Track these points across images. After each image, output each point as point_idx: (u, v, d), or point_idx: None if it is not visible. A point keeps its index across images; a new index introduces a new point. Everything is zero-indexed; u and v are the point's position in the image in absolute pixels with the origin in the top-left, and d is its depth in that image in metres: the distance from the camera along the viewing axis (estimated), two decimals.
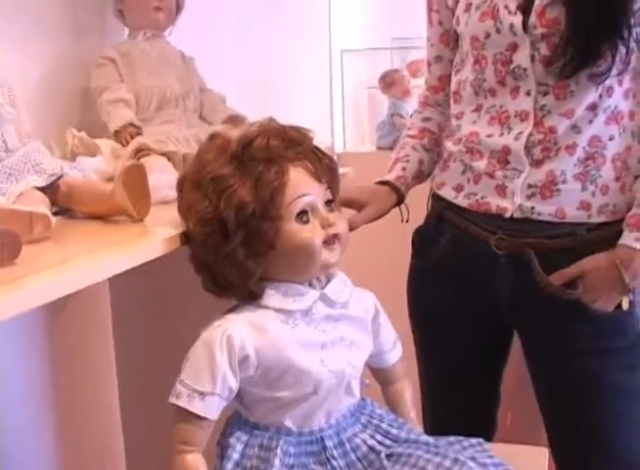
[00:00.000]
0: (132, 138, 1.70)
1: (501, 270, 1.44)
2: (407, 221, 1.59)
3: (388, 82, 2.93)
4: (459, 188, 1.49)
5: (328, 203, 1.16)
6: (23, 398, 1.54)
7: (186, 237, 1.14)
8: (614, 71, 1.34)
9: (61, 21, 1.86)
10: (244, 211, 1.07)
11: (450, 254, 1.51)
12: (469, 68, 1.46)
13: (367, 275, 1.52)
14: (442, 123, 1.64)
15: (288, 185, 1.09)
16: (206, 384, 1.09)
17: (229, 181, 1.08)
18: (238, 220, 1.08)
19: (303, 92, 2.34)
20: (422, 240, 1.59)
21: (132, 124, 1.73)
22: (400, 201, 1.56)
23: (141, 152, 1.62)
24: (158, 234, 1.14)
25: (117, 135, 1.72)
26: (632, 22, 1.33)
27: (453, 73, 1.54)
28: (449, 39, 1.56)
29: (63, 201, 1.31)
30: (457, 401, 1.60)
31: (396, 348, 1.32)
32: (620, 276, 1.35)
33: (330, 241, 1.13)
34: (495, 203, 1.43)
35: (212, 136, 1.18)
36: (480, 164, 1.44)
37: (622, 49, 1.33)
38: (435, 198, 1.57)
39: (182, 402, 1.09)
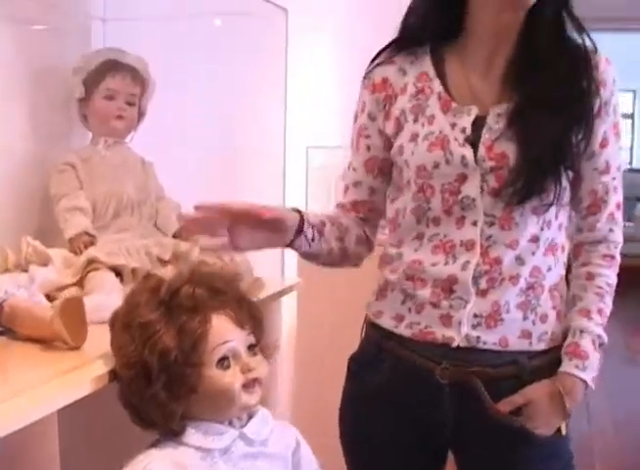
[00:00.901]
0: (86, 247, 1.78)
1: (446, 399, 1.47)
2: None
3: None
4: (399, 318, 1.51)
5: (250, 347, 1.24)
6: None
7: (115, 374, 1.22)
8: (554, 205, 1.43)
9: (27, 122, 1.95)
10: (167, 357, 1.15)
11: (390, 383, 1.52)
12: (409, 196, 1.49)
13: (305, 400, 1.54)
14: (349, 225, 1.57)
15: (210, 333, 1.18)
16: None
17: (155, 327, 1.16)
18: (161, 366, 1.15)
19: (260, 189, 2.42)
20: (359, 368, 1.59)
21: (87, 233, 1.81)
22: (301, 226, 1.43)
23: (92, 264, 1.70)
24: (87, 371, 1.21)
25: (72, 243, 1.80)
26: (575, 151, 1.43)
27: (389, 203, 1.57)
28: (374, 166, 1.57)
29: (6, 321, 1.40)
30: None
31: None
32: (563, 403, 1.43)
33: (250, 385, 1.21)
34: (441, 332, 1.45)
35: (147, 277, 1.27)
36: (424, 293, 1.47)
37: (565, 182, 1.42)
38: (373, 327, 1.57)
39: None
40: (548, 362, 1.47)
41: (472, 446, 1.52)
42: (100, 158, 1.95)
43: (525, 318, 1.46)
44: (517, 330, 1.45)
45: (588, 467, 3.80)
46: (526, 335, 1.46)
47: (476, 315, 1.44)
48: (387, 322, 1.52)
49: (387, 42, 1.56)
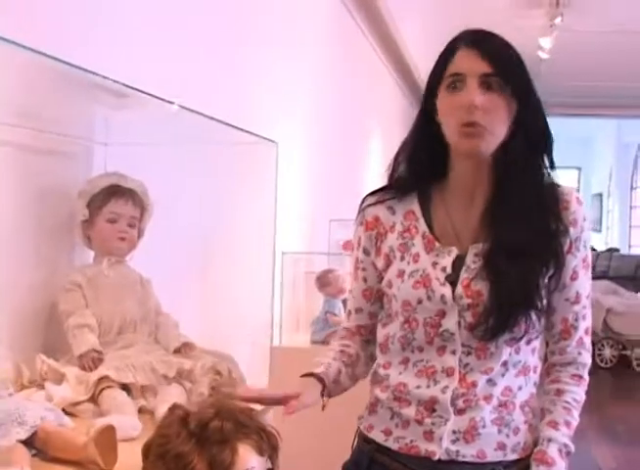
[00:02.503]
0: (94, 363, 1.95)
1: None
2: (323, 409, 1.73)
3: (324, 282, 3.27)
4: (388, 432, 1.69)
5: None
6: None
7: None
8: (525, 337, 1.63)
9: (31, 242, 2.13)
10: None
11: None
12: (397, 325, 1.70)
13: None
14: (358, 352, 1.81)
15: (237, 461, 1.36)
16: None
17: (189, 458, 1.34)
18: None
19: (248, 293, 2.63)
20: None
21: (95, 350, 1.99)
22: (324, 389, 1.71)
23: (103, 383, 1.88)
24: None
25: (81, 359, 1.97)
26: (543, 294, 1.64)
27: (380, 326, 1.77)
28: (371, 295, 1.77)
29: (39, 444, 1.57)
30: None
31: None
32: None
33: None
34: (424, 447, 1.65)
35: (173, 408, 1.45)
36: (409, 412, 1.67)
37: (534, 317, 1.62)
38: (365, 439, 1.74)
39: None
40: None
41: None
42: (104, 277, 2.14)
43: (499, 432, 1.65)
44: (493, 443, 1.65)
45: None
46: (502, 447, 1.65)
47: (454, 432, 1.63)
48: (377, 435, 1.72)
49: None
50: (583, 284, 1.70)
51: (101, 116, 2.34)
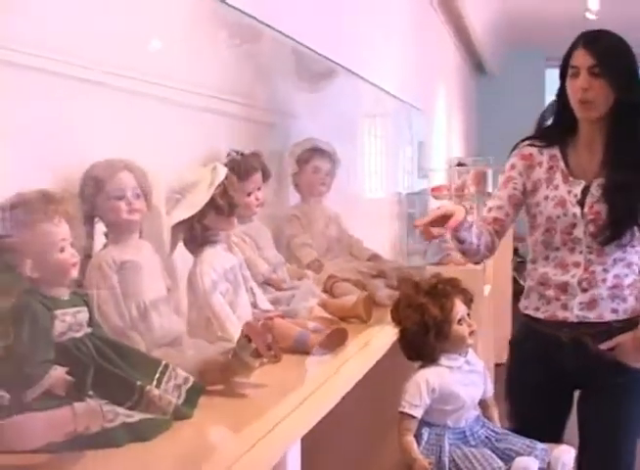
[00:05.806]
0: (319, 268, 3.04)
1: (568, 351, 2.53)
2: None
3: None
4: (537, 309, 2.58)
5: (468, 314, 2.50)
6: None
7: (400, 334, 2.48)
8: (629, 243, 2.47)
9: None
10: (435, 320, 2.39)
11: (535, 348, 2.61)
12: (539, 233, 2.53)
13: None
14: (485, 234, 2.55)
15: (453, 308, 2.43)
16: (417, 401, 2.41)
17: (428, 306, 2.40)
18: (432, 324, 2.40)
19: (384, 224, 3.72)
20: (516, 342, 2.71)
21: (317, 259, 3.08)
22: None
23: (331, 279, 2.96)
24: (383, 337, 2.49)
25: (309, 266, 3.04)
26: None
27: (528, 235, 2.61)
28: (513, 198, 2.57)
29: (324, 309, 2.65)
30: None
31: (491, 388, 2.64)
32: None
33: (471, 334, 2.47)
34: (562, 315, 2.52)
35: (405, 279, 2.54)
36: (551, 293, 2.53)
37: (636, 231, 2.48)
38: (523, 315, 2.66)
39: (404, 409, 2.41)
40: (629, 324, 2.51)
41: (589, 376, 2.59)
42: (311, 212, 3.22)
43: (612, 302, 2.57)
44: (608, 309, 2.56)
45: None
46: (615, 311, 2.56)
47: (581, 303, 2.57)
48: (531, 312, 2.67)
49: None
50: None
51: (290, 93, 3.40)
